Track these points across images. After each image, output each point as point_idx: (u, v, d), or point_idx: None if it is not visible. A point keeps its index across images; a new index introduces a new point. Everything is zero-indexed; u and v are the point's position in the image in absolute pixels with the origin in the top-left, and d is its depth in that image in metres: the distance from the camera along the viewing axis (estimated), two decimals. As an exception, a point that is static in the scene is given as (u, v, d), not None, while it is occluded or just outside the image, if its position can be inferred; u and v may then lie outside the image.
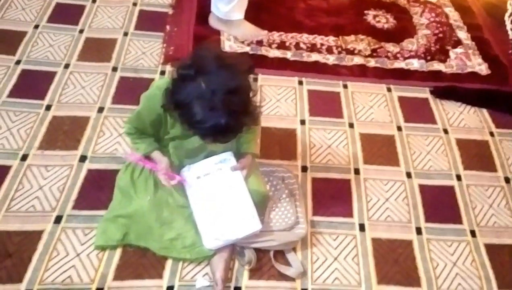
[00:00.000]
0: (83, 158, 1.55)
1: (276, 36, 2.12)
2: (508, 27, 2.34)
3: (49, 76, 1.80)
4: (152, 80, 1.84)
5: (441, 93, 1.96)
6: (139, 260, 1.33)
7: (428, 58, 2.11)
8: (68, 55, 1.89)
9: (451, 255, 1.46)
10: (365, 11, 2.34)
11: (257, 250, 1.36)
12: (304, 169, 1.62)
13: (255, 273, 1.34)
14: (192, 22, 2.11)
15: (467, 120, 1.88)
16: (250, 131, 1.35)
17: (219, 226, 1.28)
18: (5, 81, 1.76)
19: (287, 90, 1.89)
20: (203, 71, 1.04)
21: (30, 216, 1.40)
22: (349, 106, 1.87)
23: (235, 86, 1.05)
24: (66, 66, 1.85)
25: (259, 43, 2.07)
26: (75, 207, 1.43)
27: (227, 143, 1.25)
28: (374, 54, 2.10)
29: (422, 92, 1.97)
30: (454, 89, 1.98)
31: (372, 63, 2.05)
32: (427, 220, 1.53)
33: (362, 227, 1.49)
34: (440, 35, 2.25)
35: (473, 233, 1.52)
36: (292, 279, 1.34)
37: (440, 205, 1.58)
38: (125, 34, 2.02)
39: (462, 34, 2.26)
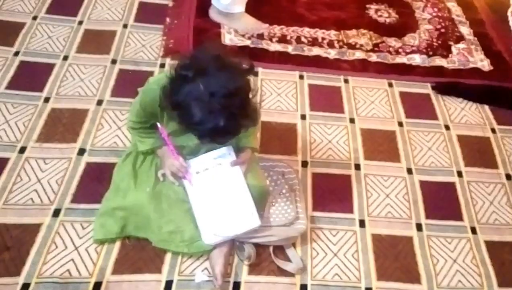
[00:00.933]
0: (81, 151, 1.54)
1: (277, 29, 2.10)
2: (511, 22, 2.32)
3: (47, 68, 1.78)
4: (151, 72, 1.82)
5: (443, 89, 1.95)
6: (138, 254, 1.33)
7: (430, 53, 2.10)
8: (67, 47, 1.87)
9: (451, 252, 1.45)
10: (367, 5, 2.32)
11: (257, 245, 1.35)
12: (305, 164, 1.61)
13: (254, 268, 1.34)
14: (192, 15, 2.09)
15: (469, 116, 1.87)
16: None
17: (218, 222, 1.27)
18: (3, 72, 1.74)
19: (288, 85, 1.88)
20: (202, 73, 1.03)
21: (28, 209, 1.39)
22: (350, 101, 1.85)
23: (234, 89, 1.03)
24: (65, 58, 1.83)
25: (260, 36, 2.05)
26: (73, 200, 1.42)
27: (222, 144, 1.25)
28: (376, 48, 2.08)
29: (424, 88, 1.96)
30: (456, 85, 1.97)
31: (373, 58, 2.04)
32: (428, 216, 1.53)
33: (362, 223, 1.48)
34: (442, 30, 2.23)
35: (473, 230, 1.51)
36: (291, 274, 1.34)
37: (441, 201, 1.57)
38: (125, 26, 2.00)
39: (465, 30, 2.25)
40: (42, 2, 2.04)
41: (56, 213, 1.38)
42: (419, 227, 1.50)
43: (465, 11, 2.36)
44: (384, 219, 1.51)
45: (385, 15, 2.28)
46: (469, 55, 2.11)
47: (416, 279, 1.38)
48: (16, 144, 1.53)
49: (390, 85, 1.95)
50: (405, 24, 2.24)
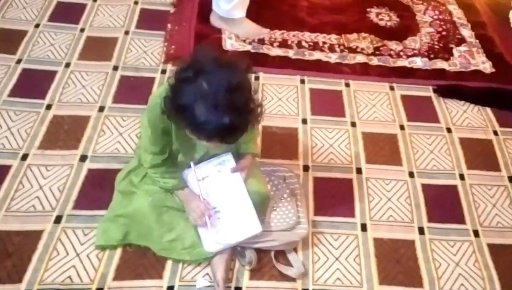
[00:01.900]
0: (83, 158, 1.55)
1: (278, 34, 2.10)
2: (513, 24, 2.31)
3: (49, 75, 1.79)
4: (153, 79, 1.83)
5: (445, 92, 1.94)
6: (139, 260, 1.33)
7: (432, 56, 2.09)
8: (69, 54, 1.89)
9: (453, 255, 1.44)
10: (368, 9, 2.32)
11: (258, 250, 1.35)
12: (306, 168, 1.61)
13: (255, 274, 1.33)
14: (193, 21, 2.10)
15: (471, 119, 1.86)
16: (250, 131, 1.34)
17: (219, 230, 1.26)
18: (6, 80, 1.76)
19: (289, 89, 1.88)
20: (202, 71, 1.03)
21: (30, 216, 1.39)
22: (351, 105, 1.85)
23: (237, 83, 1.03)
24: (67, 65, 1.85)
25: (261, 41, 2.05)
26: (75, 207, 1.42)
27: (231, 144, 1.24)
28: (377, 52, 2.08)
29: (425, 91, 1.95)
30: (457, 87, 1.96)
31: (374, 61, 2.03)
32: (430, 220, 1.52)
33: (364, 227, 1.48)
34: (444, 33, 2.23)
35: (476, 233, 1.50)
36: (293, 279, 1.33)
37: (443, 205, 1.57)
38: (126, 32, 2.02)
39: (466, 32, 2.24)
40: (44, 10, 2.06)
41: (58, 219, 1.39)
42: (421, 230, 1.49)
43: (466, 14, 2.35)
44: (386, 223, 1.50)
45: (386, 18, 2.28)
46: (470, 58, 2.11)
47: (418, 283, 1.37)
48: (18, 151, 1.54)
49: (392, 88, 1.95)
50: (406, 27, 2.24)
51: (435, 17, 2.32)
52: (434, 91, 1.95)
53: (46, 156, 1.54)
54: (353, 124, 1.78)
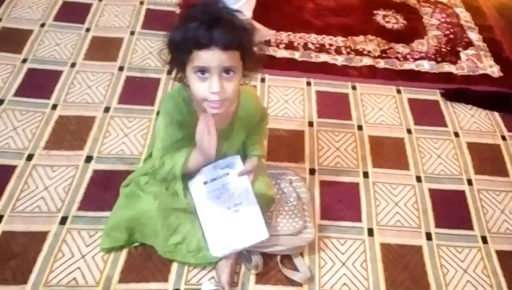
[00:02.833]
0: (89, 159, 1.54)
1: (284, 36, 2.09)
2: (521, 28, 2.30)
3: (55, 75, 1.79)
4: (158, 80, 1.82)
5: (452, 96, 1.93)
6: (144, 263, 1.32)
7: (439, 59, 2.08)
8: (74, 54, 1.88)
9: (461, 262, 1.43)
10: (374, 11, 2.31)
11: (264, 255, 1.33)
12: (312, 171, 1.60)
13: (261, 278, 1.32)
14: (199, 22, 2.09)
15: (479, 123, 1.84)
16: (257, 133, 1.33)
17: (226, 235, 1.25)
18: (11, 80, 1.75)
19: (295, 91, 1.87)
20: (199, 8, 1.03)
21: (35, 217, 1.38)
22: (358, 108, 1.84)
23: (236, 12, 1.04)
24: (73, 65, 1.84)
25: (267, 43, 2.04)
26: (80, 208, 1.41)
27: (237, 142, 1.23)
28: (384, 55, 2.07)
29: (433, 94, 1.94)
30: (465, 91, 1.95)
31: (381, 64, 2.02)
32: (437, 225, 1.50)
33: (370, 232, 1.46)
34: (451, 36, 2.22)
35: (484, 240, 1.49)
36: (299, 284, 1.32)
37: (451, 210, 1.55)
38: (132, 33, 2.01)
39: (474, 35, 2.23)
40: (50, 10, 2.06)
41: (63, 221, 1.38)
42: (428, 236, 1.48)
43: (473, 17, 2.34)
44: (393, 228, 1.49)
45: (392, 21, 2.27)
46: (478, 61, 2.09)
47: (425, 290, 1.36)
48: (23, 152, 1.53)
49: (399, 91, 1.93)
50: (413, 30, 2.23)
51: (442, 20, 2.30)
52: (442, 94, 1.94)
53: (51, 156, 1.53)
54: (360, 128, 1.77)
